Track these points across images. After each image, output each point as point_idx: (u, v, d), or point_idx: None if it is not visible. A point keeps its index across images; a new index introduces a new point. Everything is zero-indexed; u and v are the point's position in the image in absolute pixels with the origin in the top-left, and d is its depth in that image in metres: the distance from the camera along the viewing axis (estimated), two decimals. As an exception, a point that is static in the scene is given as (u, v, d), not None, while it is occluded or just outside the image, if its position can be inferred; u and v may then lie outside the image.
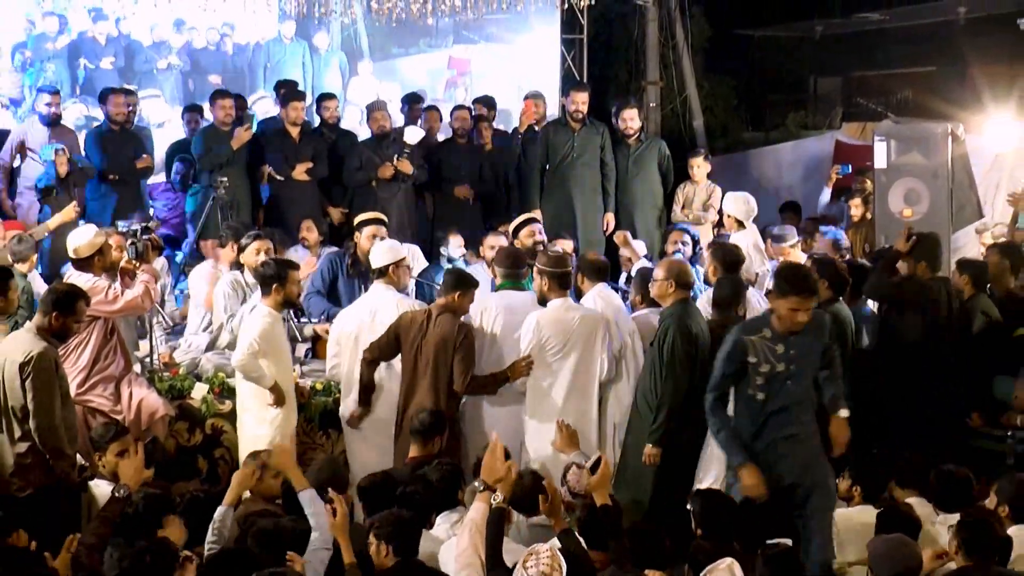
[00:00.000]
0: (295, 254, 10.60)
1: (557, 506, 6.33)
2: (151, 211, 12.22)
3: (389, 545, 5.80)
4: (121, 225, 9.22)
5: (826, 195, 14.07)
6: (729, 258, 8.55)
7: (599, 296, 8.46)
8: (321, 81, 15.02)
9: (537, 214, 11.30)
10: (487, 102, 14.00)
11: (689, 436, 7.78)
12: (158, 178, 13.25)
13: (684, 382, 7.69)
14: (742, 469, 6.69)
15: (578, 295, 8.69)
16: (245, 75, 14.61)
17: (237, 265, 9.42)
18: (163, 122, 14.02)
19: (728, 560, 5.41)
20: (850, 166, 14.09)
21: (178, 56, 14.41)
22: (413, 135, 12.31)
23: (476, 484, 6.05)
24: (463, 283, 8.27)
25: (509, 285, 8.53)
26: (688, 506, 6.49)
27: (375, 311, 8.37)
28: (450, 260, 10.79)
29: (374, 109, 12.64)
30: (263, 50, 14.80)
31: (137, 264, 8.62)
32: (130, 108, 12.43)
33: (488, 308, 8.39)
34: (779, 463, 6.76)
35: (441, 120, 13.53)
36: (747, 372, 6.83)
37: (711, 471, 7.60)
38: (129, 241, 8.72)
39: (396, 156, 12.08)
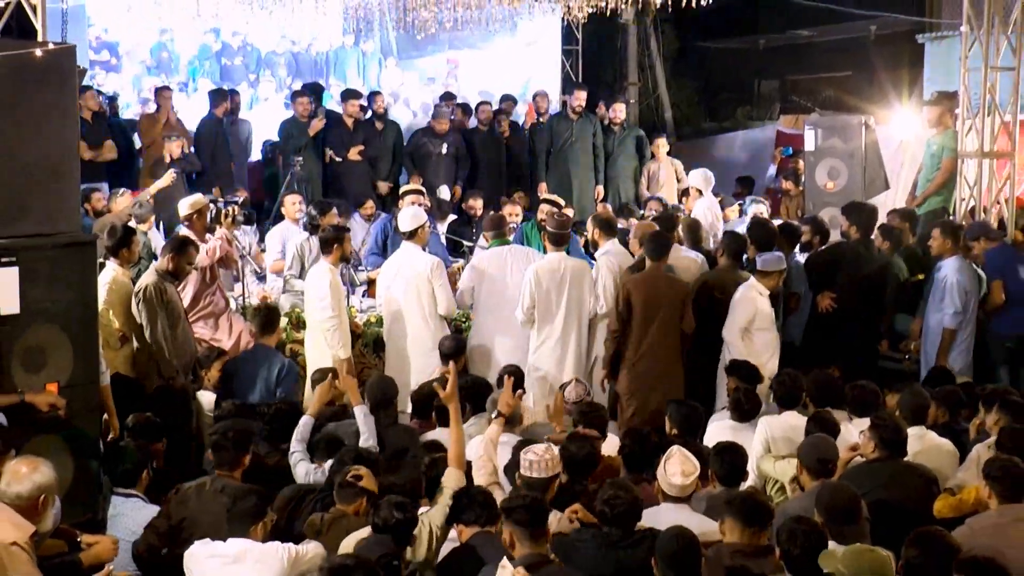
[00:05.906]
0: (353, 221, 10.61)
1: (559, 411, 6.37)
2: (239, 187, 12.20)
3: None
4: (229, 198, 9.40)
5: (771, 170, 14.16)
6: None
7: (611, 250, 8.38)
8: (367, 73, 15.64)
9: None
10: (512, 99, 14.12)
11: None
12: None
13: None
14: None
15: (594, 246, 8.59)
16: (323, 69, 15.38)
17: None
18: (268, 97, 14.81)
19: (676, 447, 5.43)
20: (791, 149, 14.16)
21: (282, 56, 15.25)
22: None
23: (493, 413, 6.11)
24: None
25: (498, 243, 8.54)
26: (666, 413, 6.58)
27: (399, 266, 8.33)
28: (471, 216, 10.87)
29: (439, 111, 12.71)
30: (333, 53, 15.51)
31: (221, 226, 8.67)
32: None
33: (491, 258, 8.43)
34: None
35: (466, 115, 13.51)
36: None
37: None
38: (209, 209, 8.78)
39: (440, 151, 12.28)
